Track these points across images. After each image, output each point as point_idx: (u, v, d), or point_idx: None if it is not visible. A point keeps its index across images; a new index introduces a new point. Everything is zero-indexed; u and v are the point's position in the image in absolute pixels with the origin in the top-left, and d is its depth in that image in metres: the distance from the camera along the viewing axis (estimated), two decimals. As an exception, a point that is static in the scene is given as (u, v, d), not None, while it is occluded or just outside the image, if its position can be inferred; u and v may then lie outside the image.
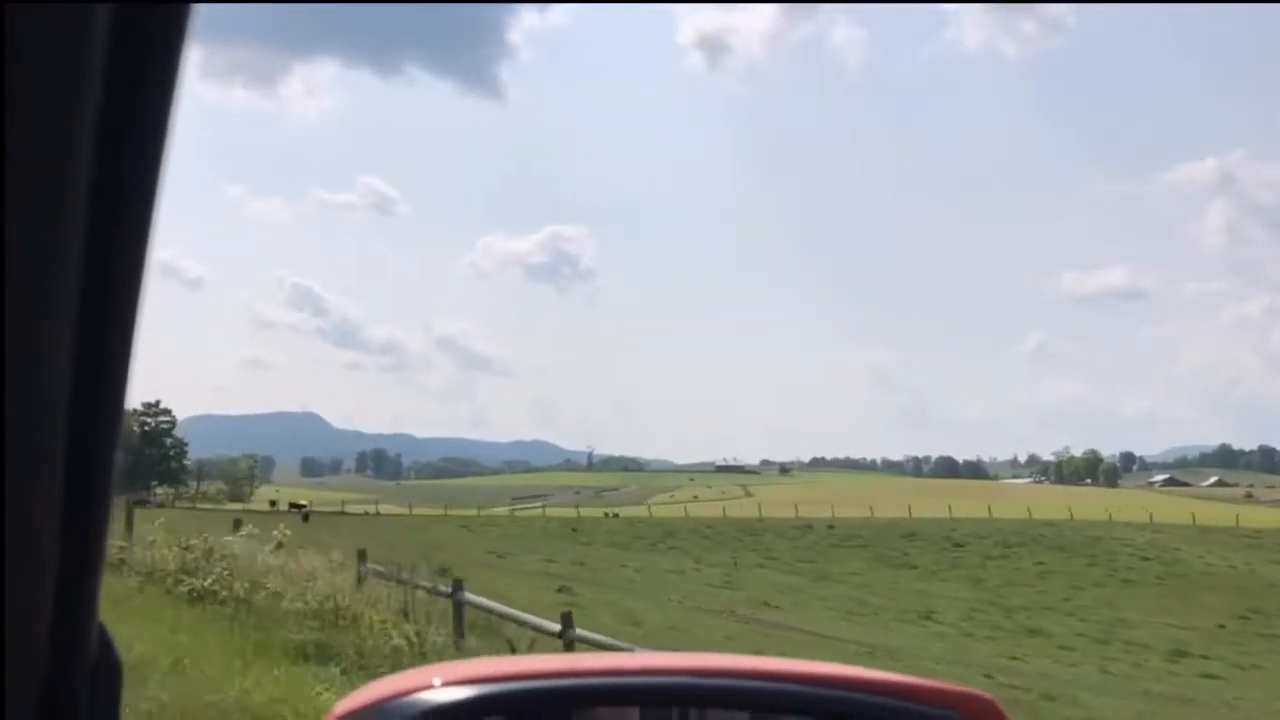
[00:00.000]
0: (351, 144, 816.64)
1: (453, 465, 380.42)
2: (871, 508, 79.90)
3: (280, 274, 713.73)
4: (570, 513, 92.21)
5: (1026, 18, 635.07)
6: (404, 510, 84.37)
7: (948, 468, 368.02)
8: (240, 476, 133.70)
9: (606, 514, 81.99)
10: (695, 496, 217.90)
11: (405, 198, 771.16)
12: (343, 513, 73.38)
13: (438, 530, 58.34)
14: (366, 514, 73.97)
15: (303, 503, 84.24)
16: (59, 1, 0.73)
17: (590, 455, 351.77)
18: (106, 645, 1.00)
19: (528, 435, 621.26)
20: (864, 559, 50.24)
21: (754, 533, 59.26)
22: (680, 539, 57.66)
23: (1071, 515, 70.61)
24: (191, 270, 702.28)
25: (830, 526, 61.78)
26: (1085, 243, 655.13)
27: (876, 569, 47.78)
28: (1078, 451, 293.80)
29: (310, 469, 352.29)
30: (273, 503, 79.50)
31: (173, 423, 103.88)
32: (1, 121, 0.71)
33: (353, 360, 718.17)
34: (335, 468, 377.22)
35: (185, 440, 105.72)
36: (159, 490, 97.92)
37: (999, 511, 76.18)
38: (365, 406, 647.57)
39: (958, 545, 52.82)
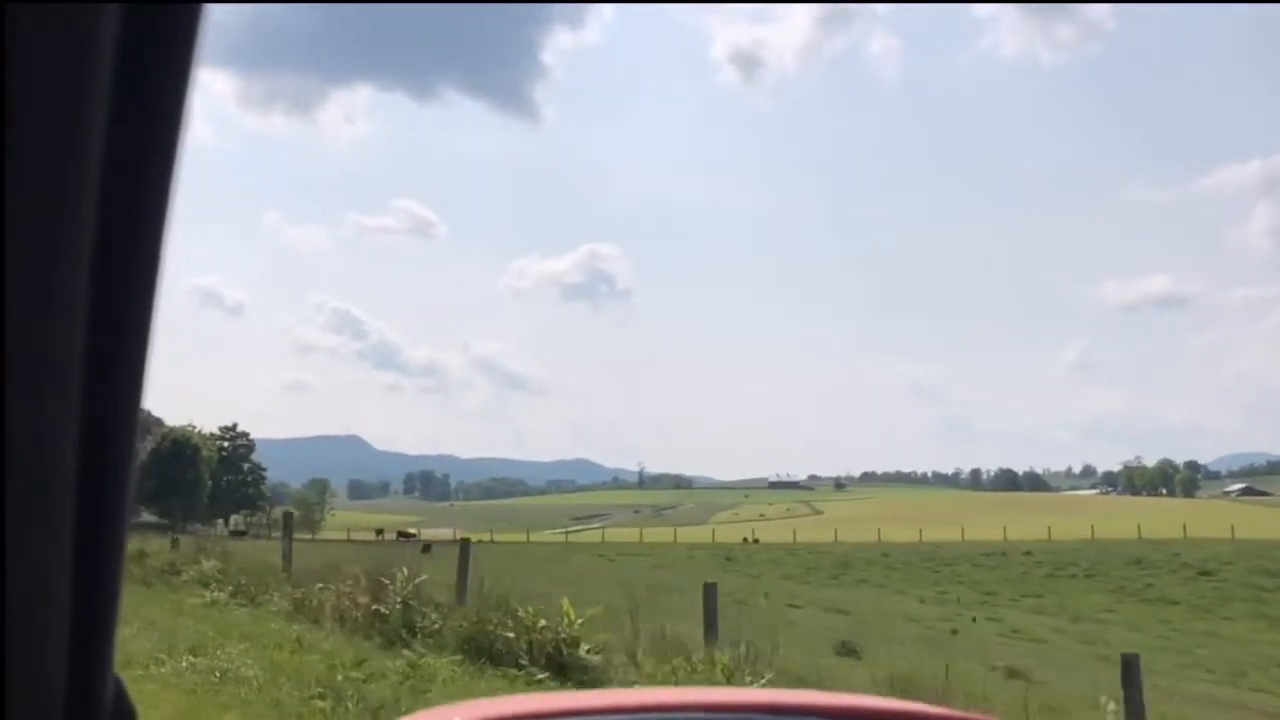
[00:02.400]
0: (388, 168, 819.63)
1: (501, 485, 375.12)
2: (1050, 529, 73.05)
3: (319, 298, 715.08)
4: (698, 535, 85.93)
5: (1064, 23, 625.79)
6: (519, 536, 77.87)
7: (1008, 480, 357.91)
8: (311, 503, 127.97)
9: (746, 539, 75.18)
10: (762, 515, 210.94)
11: (442, 220, 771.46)
12: (454, 541, 67.11)
13: (586, 561, 51.87)
14: (482, 542, 67.35)
15: (411, 531, 77.56)
16: (63, 1, 0.71)
17: (641, 473, 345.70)
18: (121, 697, 0.95)
19: (569, 454, 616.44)
20: (1101, 591, 43.14)
21: (945, 561, 52.21)
22: (860, 569, 50.77)
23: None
24: (232, 297, 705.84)
25: (1027, 552, 54.65)
26: (1127, 250, 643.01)
27: (1127, 604, 40.66)
28: (1150, 462, 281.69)
29: (357, 491, 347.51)
30: (379, 531, 73.13)
31: (250, 447, 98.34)
32: (3, 124, 0.69)
33: (392, 382, 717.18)
34: (383, 490, 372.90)
35: (263, 466, 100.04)
36: (247, 519, 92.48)
37: (1123, 530, 69.58)
38: (406, 428, 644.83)
39: (1204, 573, 45.56)
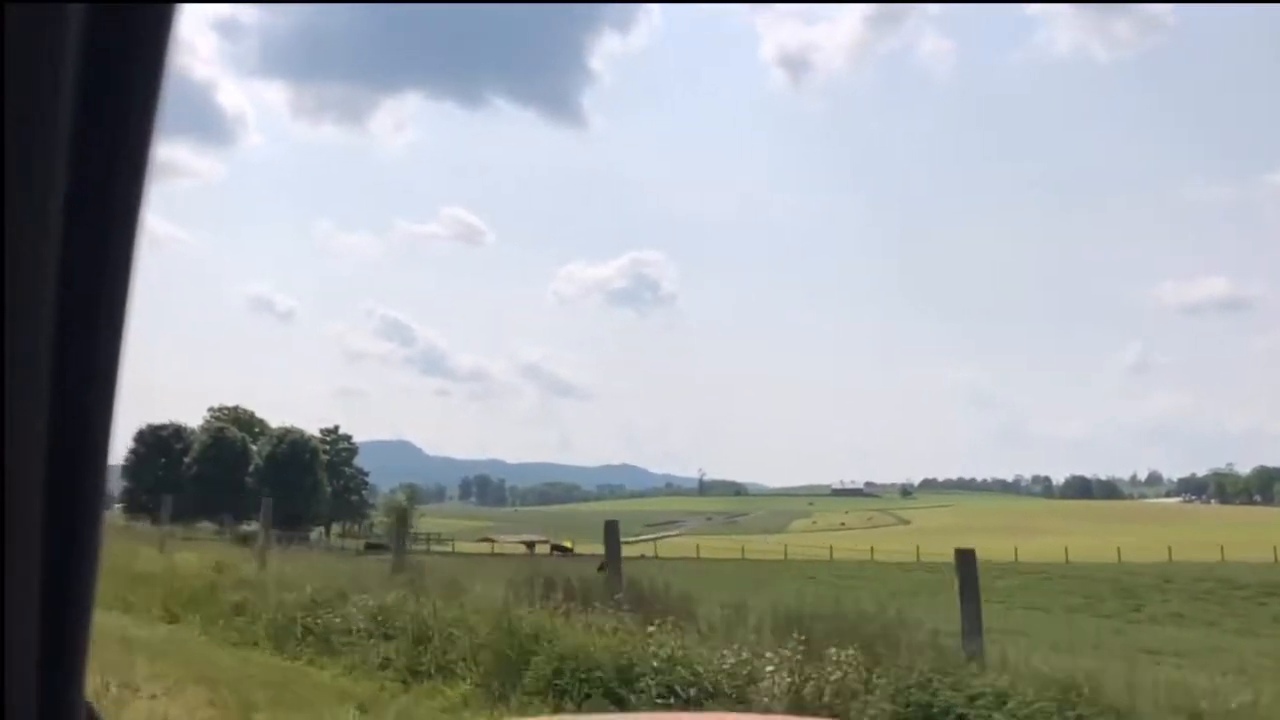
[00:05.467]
0: (437, 175, 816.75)
1: (555, 490, 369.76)
2: (1222, 548, 64.61)
3: (369, 305, 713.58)
4: (774, 544, 77.81)
5: (1121, 18, 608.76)
6: (702, 550, 70.00)
7: (1080, 488, 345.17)
8: (400, 510, 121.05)
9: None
10: (842, 524, 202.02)
11: (490, 227, 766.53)
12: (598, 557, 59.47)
13: (807, 587, 43.88)
14: (643, 557, 59.70)
15: (566, 544, 67.75)
16: (23, 1, 0.69)
17: (701, 480, 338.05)
18: None
19: (614, 459, 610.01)
20: None
21: (1265, 589, 43.84)
22: (1153, 598, 42.32)
23: None
24: (283, 304, 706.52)
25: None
26: (1186, 251, 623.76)
27: None
28: (1244, 469, 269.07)
29: (415, 497, 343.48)
30: (530, 545, 65.31)
31: (354, 450, 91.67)
32: None
33: (441, 388, 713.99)
34: (439, 495, 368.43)
35: (366, 471, 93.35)
36: (345, 529, 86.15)
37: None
38: (455, 433, 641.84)
39: None
